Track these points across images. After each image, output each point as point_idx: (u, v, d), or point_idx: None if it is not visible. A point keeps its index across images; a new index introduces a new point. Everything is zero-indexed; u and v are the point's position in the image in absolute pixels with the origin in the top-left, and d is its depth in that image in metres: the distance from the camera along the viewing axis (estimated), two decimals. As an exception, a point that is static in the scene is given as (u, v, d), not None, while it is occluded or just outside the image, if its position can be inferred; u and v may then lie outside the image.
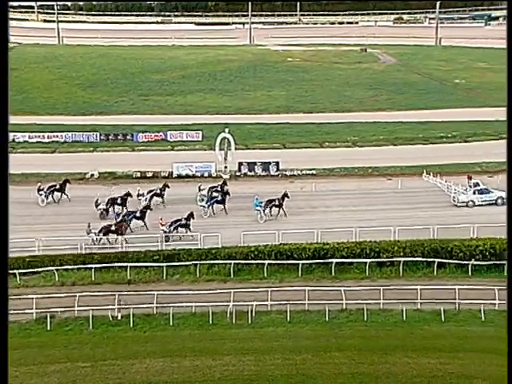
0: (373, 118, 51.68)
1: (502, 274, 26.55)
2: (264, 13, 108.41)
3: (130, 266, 26.15)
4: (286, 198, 31.90)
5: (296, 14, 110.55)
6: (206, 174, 38.92)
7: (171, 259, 26.78)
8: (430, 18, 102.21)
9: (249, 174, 39.49)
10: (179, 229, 29.17)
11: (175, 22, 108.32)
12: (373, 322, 23.19)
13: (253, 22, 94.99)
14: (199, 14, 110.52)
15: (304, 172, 38.94)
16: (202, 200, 32.11)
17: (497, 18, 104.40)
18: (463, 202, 33.59)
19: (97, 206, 31.52)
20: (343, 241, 27.99)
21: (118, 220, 29.48)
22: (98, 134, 46.71)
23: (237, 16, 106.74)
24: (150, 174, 38.27)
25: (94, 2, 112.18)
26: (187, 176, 38.62)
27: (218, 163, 39.36)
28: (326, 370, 20.01)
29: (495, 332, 22.52)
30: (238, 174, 39.51)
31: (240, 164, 39.77)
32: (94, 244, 27.93)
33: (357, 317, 23.38)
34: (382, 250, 27.62)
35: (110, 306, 23.17)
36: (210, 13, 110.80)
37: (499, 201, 32.65)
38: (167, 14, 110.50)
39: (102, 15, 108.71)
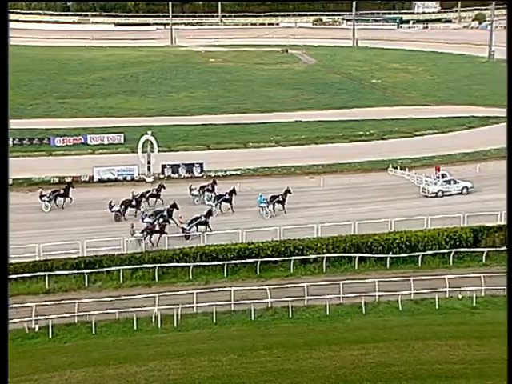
0: (295, 118, 52.59)
1: (417, 265, 27.89)
2: (185, 14, 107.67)
3: (49, 275, 25.15)
4: (288, 194, 32.42)
5: (217, 15, 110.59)
6: (128, 178, 38.13)
7: (92, 266, 26.01)
8: (347, 20, 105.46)
9: (173, 176, 39.08)
10: (199, 226, 29.04)
11: (93, 22, 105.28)
12: (298, 318, 23.62)
13: (174, 23, 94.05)
14: (118, 14, 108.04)
15: (228, 172, 39.01)
16: (210, 199, 32.19)
17: (407, 22, 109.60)
18: (433, 193, 35.17)
19: (111, 208, 31.20)
20: (268, 240, 28.30)
21: (146, 220, 29.23)
22: (11, 138, 44.43)
23: (158, 16, 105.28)
24: (69, 179, 36.95)
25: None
26: (109, 180, 37.65)
27: (141, 166, 38.66)
28: (252, 369, 20.17)
29: (412, 320, 23.59)
30: (161, 176, 38.99)
31: (163, 166, 39.26)
32: (140, 245, 27.74)
33: (282, 314, 23.72)
34: (305, 247, 28.20)
35: (27, 318, 22.15)
36: (130, 13, 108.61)
37: (464, 190, 35.15)
38: (84, 13, 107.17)
39: (14, 13, 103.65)
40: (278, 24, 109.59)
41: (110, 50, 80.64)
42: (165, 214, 29.86)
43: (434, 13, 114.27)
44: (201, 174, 38.94)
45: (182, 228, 28.90)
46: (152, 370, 20.01)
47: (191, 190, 33.61)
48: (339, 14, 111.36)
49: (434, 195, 35.31)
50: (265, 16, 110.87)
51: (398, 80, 67.99)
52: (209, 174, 38.95)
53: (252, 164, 40.45)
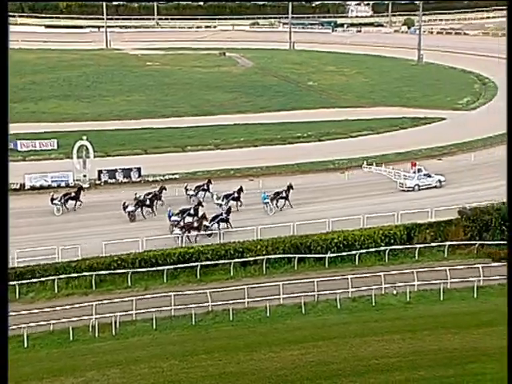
0: (233, 121, 52.69)
1: (355, 264, 28.62)
2: (120, 16, 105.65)
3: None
4: (291, 190, 33.48)
5: (153, 18, 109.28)
6: (63, 184, 37.04)
7: (23, 277, 25.06)
8: (284, 23, 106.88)
9: (109, 181, 38.30)
10: (220, 224, 29.76)
11: (21, 24, 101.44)
12: (238, 321, 23.69)
13: (108, 26, 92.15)
14: (49, 15, 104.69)
15: (167, 177, 38.64)
16: (219, 198, 32.70)
17: (342, 25, 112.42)
18: (410, 187, 36.56)
19: (125, 208, 31.66)
20: (207, 243, 28.25)
21: (173, 218, 30.02)
22: None
23: (91, 19, 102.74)
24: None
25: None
26: (42, 187, 36.46)
27: (77, 172, 37.66)
28: (193, 373, 20.06)
29: (350, 318, 24.18)
30: (98, 182, 38.13)
31: (100, 172, 38.43)
32: (177, 243, 28.40)
33: (223, 317, 23.73)
34: (245, 249, 28.33)
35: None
36: (62, 15, 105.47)
37: (438, 184, 36.93)
38: (11, 14, 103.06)
39: None
40: (215, 27, 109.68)
41: (41, 52, 78.02)
42: (192, 211, 30.63)
43: (366, 17, 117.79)
44: (139, 179, 38.37)
45: (205, 225, 29.58)
46: (90, 380, 19.52)
47: (187, 190, 33.99)
48: (276, 17, 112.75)
49: (411, 189, 36.68)
50: (202, 19, 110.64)
51: (334, 82, 69.54)
52: (147, 178, 38.44)
53: (191, 168, 40.23)
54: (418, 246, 29.44)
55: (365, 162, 41.61)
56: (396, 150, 44.07)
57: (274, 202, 32.93)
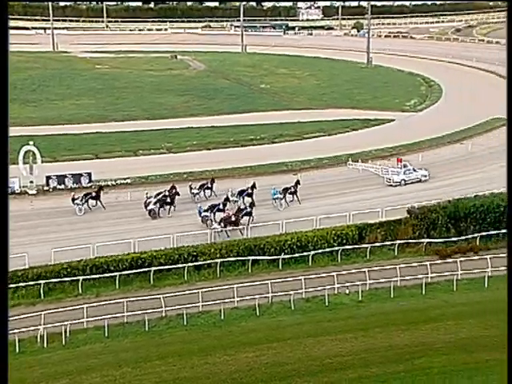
0: (186, 124, 52.43)
1: (308, 264, 28.99)
2: (68, 18, 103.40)
3: None
4: (298, 185, 34.88)
5: (103, 21, 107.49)
6: (8, 191, 35.88)
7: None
8: (236, 26, 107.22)
9: (59, 187, 37.40)
10: (244, 217, 30.87)
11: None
12: (193, 325, 23.59)
13: (55, 27, 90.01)
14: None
15: (118, 182, 38.08)
16: (234, 195, 33.75)
17: (293, 28, 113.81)
18: (397, 182, 38.16)
19: (146, 206, 32.38)
20: (161, 248, 28.02)
21: (203, 214, 31.03)
22: None
23: (36, 20, 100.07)
24: None
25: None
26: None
27: (23, 178, 36.59)
28: (147, 380, 19.84)
29: (304, 318, 24.49)
30: (46, 188, 37.18)
31: (48, 177, 37.47)
32: (215, 238, 29.39)
33: (177, 322, 23.58)
34: (199, 253, 28.25)
35: None
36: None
37: (423, 178, 39.00)
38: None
39: None
40: (166, 30, 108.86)
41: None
42: (221, 207, 31.74)
43: (317, 20, 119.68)
44: (89, 184, 37.66)
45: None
46: (38, 393, 19.00)
47: (191, 188, 34.76)
48: (227, 20, 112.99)
49: (398, 184, 38.14)
50: (153, 21, 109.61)
51: (286, 85, 70.24)
52: (98, 183, 37.77)
53: (143, 172, 39.78)
54: (369, 245, 30.08)
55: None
56: (348, 151, 44.90)
57: (284, 197, 34.27)
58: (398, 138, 48.09)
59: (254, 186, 34.65)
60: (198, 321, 23.96)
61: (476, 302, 25.90)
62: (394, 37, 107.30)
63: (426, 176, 39.04)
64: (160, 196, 33.33)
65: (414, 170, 39.19)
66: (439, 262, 28.78)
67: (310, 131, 50.93)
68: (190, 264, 27.61)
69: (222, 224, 30.20)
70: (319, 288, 26.53)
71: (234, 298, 25.36)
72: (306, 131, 50.96)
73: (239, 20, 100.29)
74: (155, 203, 32.49)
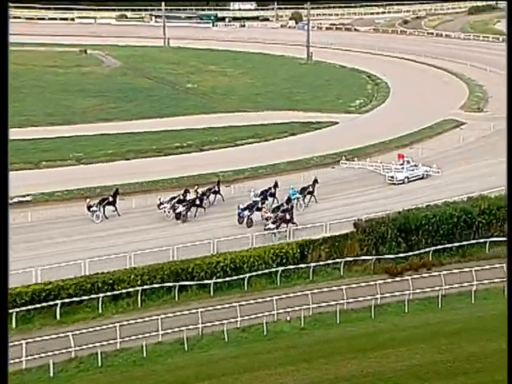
0: (99, 130, 51.81)
1: (243, 289, 29.30)
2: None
3: None
4: (316, 184, 37.71)
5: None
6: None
7: None
8: (157, 17, 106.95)
9: None
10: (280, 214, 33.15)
11: None
12: (109, 366, 23.30)
13: None
14: None
15: (16, 199, 36.96)
16: (256, 195, 36.20)
17: (223, 19, 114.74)
18: (400, 180, 40.77)
19: (174, 210, 34.88)
20: (70, 277, 27.52)
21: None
22: None
23: None
24: None
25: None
26: None
27: None
28: None
29: (239, 351, 24.71)
30: None
31: None
32: (275, 236, 32.29)
33: (89, 364, 23.22)
34: (116, 281, 27.95)
35: None
36: None
37: (425, 174, 41.79)
38: None
39: None
40: (73, 19, 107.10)
41: None
42: (260, 205, 34.62)
43: (250, 10, 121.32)
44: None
45: (267, 218, 33.40)
46: None
47: (196, 192, 36.84)
48: (146, 10, 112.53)
49: (401, 182, 40.67)
50: (56, 9, 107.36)
51: (216, 84, 70.87)
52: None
53: (47, 187, 38.87)
54: (312, 264, 30.76)
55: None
56: (286, 159, 45.77)
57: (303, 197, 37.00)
58: (342, 142, 49.52)
59: (276, 185, 37.37)
60: (115, 360, 23.67)
61: (429, 325, 26.97)
62: (337, 29, 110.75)
63: (428, 172, 41.68)
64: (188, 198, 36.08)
65: (417, 167, 41.74)
66: (389, 280, 29.81)
67: (243, 137, 51.63)
68: (106, 294, 27.23)
69: (277, 223, 32.61)
70: (256, 315, 26.82)
71: (158, 331, 25.23)
72: (240, 137, 51.59)
73: (161, 9, 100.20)
74: (184, 205, 35.13)
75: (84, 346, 23.63)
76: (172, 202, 35.26)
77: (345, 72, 79.79)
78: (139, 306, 27.53)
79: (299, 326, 26.88)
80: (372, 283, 29.03)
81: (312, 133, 53.85)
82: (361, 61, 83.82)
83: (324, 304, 27.86)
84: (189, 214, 35.19)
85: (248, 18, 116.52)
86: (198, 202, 35.76)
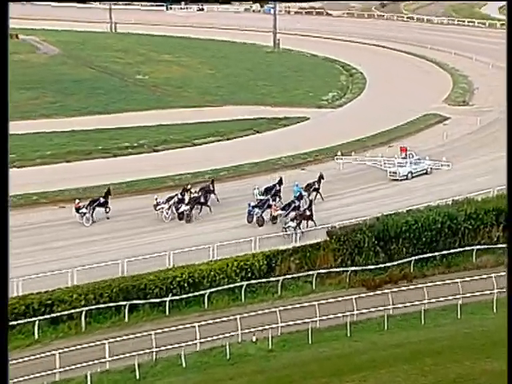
0: (35, 128, 51.32)
1: (203, 307, 29.33)
2: None
3: None
4: (322, 180, 39.56)
5: None
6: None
7: None
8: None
9: None
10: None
11: None
12: (48, 400, 23.07)
13: None
14: None
15: None
16: (261, 193, 38.06)
17: (179, 2, 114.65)
18: (404, 176, 42.30)
19: (178, 209, 36.51)
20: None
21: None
22: None
23: None
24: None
25: None
26: None
27: None
28: None
29: (198, 377, 24.72)
30: None
31: None
32: (295, 233, 33.68)
33: (25, 399, 22.92)
34: (56, 301, 27.68)
35: None
36: None
37: (429, 169, 43.47)
38: None
39: None
40: None
41: None
42: (271, 202, 36.47)
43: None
44: None
45: (278, 215, 35.58)
46: None
47: (190, 192, 38.24)
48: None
49: (405, 177, 42.07)
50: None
51: (171, 75, 70.86)
52: None
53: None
54: (281, 278, 30.97)
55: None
56: (251, 160, 46.01)
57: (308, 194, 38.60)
58: (313, 141, 50.01)
59: (280, 182, 38.95)
60: (55, 394, 23.48)
61: (411, 343, 27.39)
62: (307, 13, 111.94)
63: (432, 167, 43.47)
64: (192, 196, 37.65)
65: (421, 161, 43.46)
66: (366, 294, 30.18)
67: (202, 135, 51.72)
68: (44, 317, 26.95)
69: (297, 220, 34.03)
70: (218, 337, 26.84)
71: (104, 358, 25.06)
72: (198, 135, 51.67)
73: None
74: (187, 204, 36.64)
75: (15, 380, 23.30)
76: (170, 203, 36.60)
77: (316, 61, 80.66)
78: (83, 329, 27.32)
79: (266, 347, 26.98)
80: (348, 298, 29.35)
81: (280, 130, 54.29)
82: (334, 49, 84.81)
83: (294, 322, 28.01)
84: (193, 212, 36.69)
85: (207, 1, 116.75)
86: (202, 200, 37.30)
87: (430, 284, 30.34)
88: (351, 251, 32.57)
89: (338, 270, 31.92)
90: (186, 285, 29.68)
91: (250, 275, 31.00)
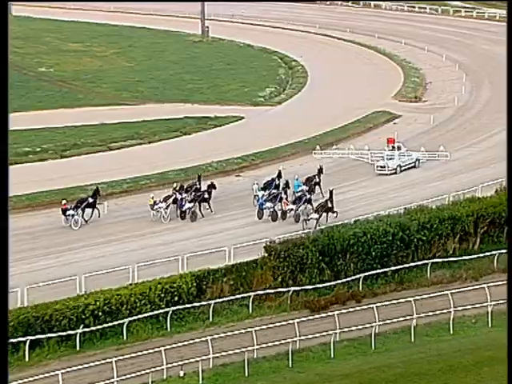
0: None
1: (122, 339, 28.96)
2: None
3: None
4: (321, 174, 42.10)
5: None
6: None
7: None
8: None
9: None
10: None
11: None
12: None
13: None
14: None
15: None
16: (260, 189, 40.33)
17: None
18: (393, 169, 44.67)
19: (182, 207, 39.02)
20: None
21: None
22: None
23: None
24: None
25: None
26: None
27: None
28: None
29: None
30: None
31: None
32: (317, 225, 36.48)
33: None
34: None
35: None
36: None
37: (417, 163, 45.91)
38: None
39: None
40: None
41: None
42: (283, 195, 39.21)
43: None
44: None
45: (290, 209, 38.53)
46: None
47: (177, 189, 40.52)
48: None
49: (394, 171, 44.47)
50: None
51: (81, 68, 70.22)
52: None
53: None
54: (213, 301, 30.92)
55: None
56: (177, 166, 45.92)
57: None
58: (249, 143, 50.31)
59: (279, 176, 41.48)
60: None
61: (360, 372, 27.62)
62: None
63: (420, 160, 45.96)
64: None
65: (408, 153, 46.01)
66: (310, 317, 30.40)
67: (120, 138, 51.49)
68: None
69: (320, 212, 37.03)
70: (139, 372, 26.49)
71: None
72: (115, 138, 51.37)
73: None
74: (191, 201, 39.16)
75: None
76: (168, 202, 38.84)
77: (251, 52, 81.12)
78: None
79: (196, 382, 26.82)
80: (289, 322, 29.44)
81: (211, 131, 54.48)
82: (271, 38, 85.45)
83: (228, 352, 27.96)
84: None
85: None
86: (206, 196, 39.53)
87: (380, 304, 30.75)
88: (293, 269, 32.78)
89: (277, 290, 32.05)
90: (100, 313, 29.25)
91: (176, 299, 30.83)
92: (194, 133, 53.82)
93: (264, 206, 38.28)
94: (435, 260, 34.49)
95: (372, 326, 29.63)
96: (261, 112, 59.74)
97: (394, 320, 30.29)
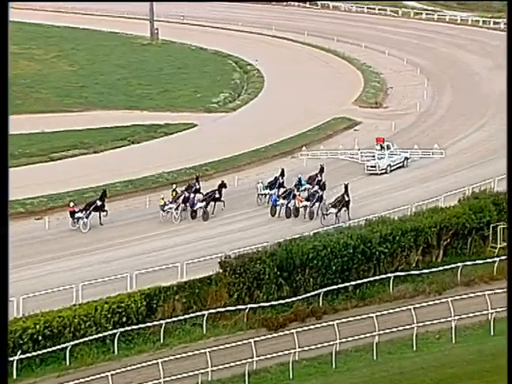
0: None
1: (64, 365, 28.64)
2: None
3: None
4: (322, 173, 44.21)
5: None
6: None
7: None
8: None
9: None
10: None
11: None
12: None
13: None
14: None
15: None
16: (266, 188, 43.02)
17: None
18: (383, 169, 46.72)
19: (192, 206, 41.14)
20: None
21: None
22: None
23: None
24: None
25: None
26: None
27: None
28: None
29: None
30: None
31: None
32: (337, 221, 39.04)
33: None
34: None
35: None
36: None
37: (405, 162, 48.20)
38: None
39: None
40: None
41: None
42: (296, 192, 41.59)
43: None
44: None
45: (304, 206, 40.83)
46: None
47: (174, 190, 42.32)
48: None
49: (384, 171, 46.51)
50: None
51: (18, 72, 69.25)
52: None
53: None
54: (164, 321, 30.81)
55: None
56: (124, 178, 45.71)
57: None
58: (201, 152, 50.30)
59: (282, 174, 43.85)
60: None
61: (320, 392, 27.82)
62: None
63: (408, 159, 48.25)
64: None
65: (397, 152, 48.12)
66: (268, 336, 30.41)
67: (62, 147, 51.18)
68: None
69: (338, 207, 39.33)
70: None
71: None
72: (57, 148, 51.02)
73: None
74: (202, 201, 41.37)
75: None
76: (179, 201, 40.83)
77: (204, 56, 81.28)
78: None
79: (144, 410, 26.93)
80: (246, 342, 29.45)
81: (160, 139, 54.43)
82: (225, 41, 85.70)
83: (181, 376, 27.81)
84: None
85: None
86: (217, 196, 41.69)
87: (341, 321, 30.92)
88: (249, 285, 32.84)
89: (233, 308, 32.05)
90: (40, 337, 28.91)
91: (124, 320, 30.66)
92: (143, 141, 53.73)
93: (278, 203, 40.79)
94: (398, 274, 34.86)
95: (333, 344, 29.79)
96: (214, 119, 59.93)
97: (356, 337, 30.49)
